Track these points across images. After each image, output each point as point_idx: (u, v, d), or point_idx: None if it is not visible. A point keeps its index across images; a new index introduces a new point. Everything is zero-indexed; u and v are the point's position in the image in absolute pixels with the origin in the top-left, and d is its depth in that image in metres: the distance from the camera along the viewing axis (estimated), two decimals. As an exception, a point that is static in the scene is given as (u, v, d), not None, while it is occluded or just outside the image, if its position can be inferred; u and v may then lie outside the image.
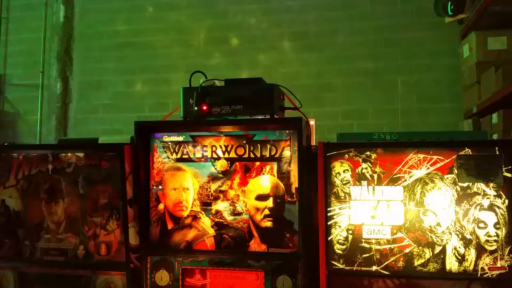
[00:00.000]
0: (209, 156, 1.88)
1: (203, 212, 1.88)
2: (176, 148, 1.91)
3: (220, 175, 1.87)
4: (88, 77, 5.57)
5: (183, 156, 1.90)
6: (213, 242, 1.87)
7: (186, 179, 1.89)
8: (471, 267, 1.69)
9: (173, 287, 1.87)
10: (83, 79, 5.59)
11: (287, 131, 1.81)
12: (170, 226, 1.91)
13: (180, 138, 1.90)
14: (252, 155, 1.84)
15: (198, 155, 1.89)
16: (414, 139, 1.80)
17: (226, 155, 1.86)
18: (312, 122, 2.54)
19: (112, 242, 1.92)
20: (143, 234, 1.89)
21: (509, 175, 1.67)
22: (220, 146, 1.87)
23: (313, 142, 2.61)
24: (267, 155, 1.83)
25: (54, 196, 1.97)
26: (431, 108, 4.77)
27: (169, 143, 1.91)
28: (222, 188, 1.86)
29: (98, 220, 1.93)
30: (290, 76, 5.00)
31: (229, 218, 1.86)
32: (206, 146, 1.88)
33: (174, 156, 1.91)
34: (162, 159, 1.92)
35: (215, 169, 1.87)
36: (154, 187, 1.91)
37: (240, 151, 1.85)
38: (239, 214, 1.85)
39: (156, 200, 1.91)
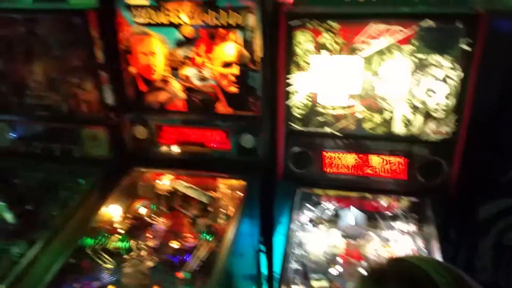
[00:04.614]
0: (174, 22, 1.87)
1: (172, 77, 1.98)
2: (142, 12, 1.89)
3: (186, 42, 1.90)
4: None
5: (149, 21, 1.89)
6: (183, 104, 2.03)
7: (154, 44, 1.93)
8: (417, 131, 1.87)
9: (150, 141, 2.11)
10: None
11: (251, -1, 1.76)
12: (142, 88, 2.03)
13: (144, 2, 1.86)
14: (217, 23, 1.84)
15: (163, 20, 1.88)
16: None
17: (191, 21, 1.86)
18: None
19: (92, 101, 2.08)
20: (118, 95, 2.03)
21: (467, 48, 1.70)
22: (185, 12, 1.84)
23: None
24: (232, 23, 1.82)
25: (31, 58, 2.05)
26: None
27: (134, 7, 1.88)
28: (189, 55, 1.92)
29: (76, 81, 2.05)
30: None
31: (197, 83, 1.97)
32: (170, 11, 1.85)
33: (140, 20, 1.90)
34: (127, 23, 1.92)
35: (181, 35, 1.89)
36: (123, 51, 1.97)
37: (205, 18, 1.84)
38: (206, 79, 1.95)
39: (126, 64, 1.99)
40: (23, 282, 1.61)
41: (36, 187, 2.20)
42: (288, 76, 1.85)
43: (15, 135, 2.22)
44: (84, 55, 1.96)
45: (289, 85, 1.87)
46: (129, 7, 1.89)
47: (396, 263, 0.82)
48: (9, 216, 2.05)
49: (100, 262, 1.70)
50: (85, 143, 2.13)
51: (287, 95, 1.88)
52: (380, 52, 1.76)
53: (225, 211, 1.95)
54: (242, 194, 1.95)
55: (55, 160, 2.18)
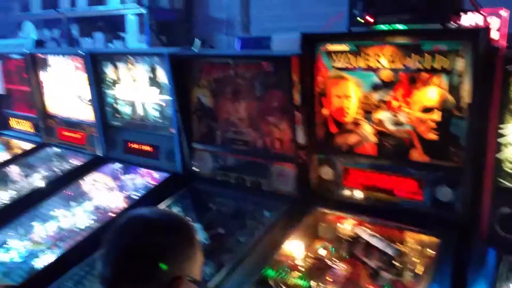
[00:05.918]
0: (373, 66, 1.86)
1: (364, 120, 1.96)
2: (341, 57, 1.94)
3: (383, 85, 1.86)
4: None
5: (347, 66, 1.93)
6: (373, 148, 1.97)
7: (349, 88, 1.95)
8: None
9: (335, 182, 2.10)
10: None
11: (461, 41, 1.63)
12: (333, 129, 2.06)
13: (344, 48, 1.91)
14: (419, 66, 1.75)
15: (362, 64, 1.89)
16: None
17: (391, 65, 1.82)
18: (505, 14, 2.16)
19: (284, 139, 2.20)
20: (309, 135, 2.11)
21: None
22: (385, 56, 1.82)
23: (506, 39, 2.24)
24: (436, 67, 1.71)
25: (237, 97, 2.31)
26: None
27: (333, 53, 1.95)
28: (385, 99, 1.87)
29: (272, 120, 2.21)
30: None
31: (391, 127, 1.90)
32: (370, 55, 1.85)
33: (338, 65, 1.95)
34: (326, 67, 1.99)
35: (379, 79, 1.86)
36: (319, 93, 2.04)
37: (407, 61, 1.77)
38: (401, 124, 1.86)
39: (320, 106, 2.06)
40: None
41: (227, 213, 2.42)
42: (501, 125, 1.62)
43: (216, 165, 2.50)
44: (283, 97, 2.11)
45: (501, 135, 1.63)
46: (329, 53, 1.96)
47: None
48: (203, 237, 2.29)
49: (281, 296, 1.74)
50: (274, 178, 2.26)
51: (498, 146, 1.65)
52: None
53: (412, 268, 1.78)
54: (434, 253, 1.75)
55: (246, 190, 2.36)
